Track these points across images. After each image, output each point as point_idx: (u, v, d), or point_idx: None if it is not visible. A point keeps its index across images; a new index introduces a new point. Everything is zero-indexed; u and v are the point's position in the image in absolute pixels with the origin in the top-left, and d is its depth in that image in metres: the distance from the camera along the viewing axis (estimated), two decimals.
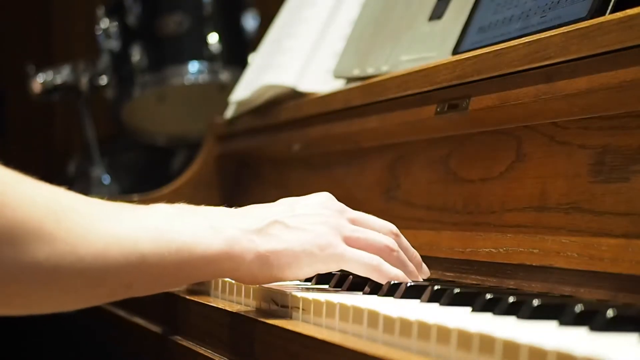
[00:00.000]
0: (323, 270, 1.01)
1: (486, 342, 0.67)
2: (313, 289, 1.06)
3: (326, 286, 1.08)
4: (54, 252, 0.86)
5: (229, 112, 1.96)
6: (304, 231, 1.00)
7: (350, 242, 1.02)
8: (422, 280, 1.05)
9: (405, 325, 0.77)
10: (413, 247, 1.08)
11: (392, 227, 1.07)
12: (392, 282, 0.98)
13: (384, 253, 1.03)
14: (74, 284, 0.88)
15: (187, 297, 1.23)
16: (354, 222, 1.05)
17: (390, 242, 1.04)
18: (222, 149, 2.02)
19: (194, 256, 0.94)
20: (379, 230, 1.05)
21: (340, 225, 1.02)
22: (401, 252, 1.04)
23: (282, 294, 1.00)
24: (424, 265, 1.09)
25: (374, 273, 1.01)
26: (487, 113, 1.15)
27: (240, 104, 1.88)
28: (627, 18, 0.94)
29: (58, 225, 0.87)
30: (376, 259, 1.01)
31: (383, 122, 1.38)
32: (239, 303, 1.11)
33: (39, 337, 2.76)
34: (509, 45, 1.10)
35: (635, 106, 0.96)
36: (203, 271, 0.96)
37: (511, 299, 0.80)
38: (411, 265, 1.05)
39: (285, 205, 1.04)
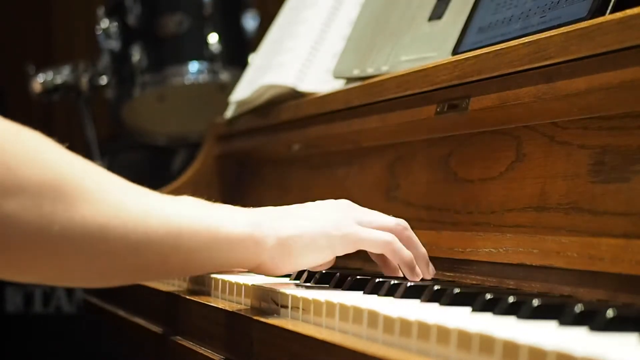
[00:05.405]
0: (340, 252, 1.06)
1: (486, 342, 0.67)
2: (313, 288, 1.06)
3: (326, 286, 1.08)
4: (99, 213, 0.87)
5: (229, 112, 1.96)
6: (318, 219, 1.05)
7: (363, 225, 1.07)
8: (427, 279, 1.08)
9: (405, 325, 0.77)
10: None
11: (401, 221, 1.11)
12: (392, 282, 0.98)
13: (396, 232, 1.08)
14: (118, 249, 0.89)
15: (188, 297, 1.23)
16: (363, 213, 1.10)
17: (402, 222, 1.10)
18: (222, 149, 2.02)
19: (220, 235, 0.98)
20: (388, 221, 1.10)
21: (351, 211, 1.08)
22: (412, 232, 1.10)
23: (282, 294, 1.00)
24: (430, 265, 1.12)
25: (387, 249, 1.06)
26: (487, 113, 1.15)
27: (240, 104, 1.88)
28: (627, 18, 0.94)
29: (99, 187, 0.88)
30: (390, 236, 1.06)
31: (383, 122, 1.38)
32: (239, 303, 1.11)
33: (40, 336, 2.76)
34: (509, 45, 1.10)
35: (635, 106, 0.96)
36: (229, 254, 1.00)
37: (511, 299, 0.80)
38: (422, 247, 1.10)
39: (297, 205, 1.09)
